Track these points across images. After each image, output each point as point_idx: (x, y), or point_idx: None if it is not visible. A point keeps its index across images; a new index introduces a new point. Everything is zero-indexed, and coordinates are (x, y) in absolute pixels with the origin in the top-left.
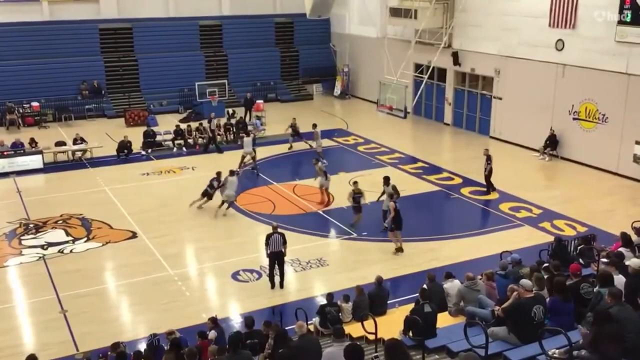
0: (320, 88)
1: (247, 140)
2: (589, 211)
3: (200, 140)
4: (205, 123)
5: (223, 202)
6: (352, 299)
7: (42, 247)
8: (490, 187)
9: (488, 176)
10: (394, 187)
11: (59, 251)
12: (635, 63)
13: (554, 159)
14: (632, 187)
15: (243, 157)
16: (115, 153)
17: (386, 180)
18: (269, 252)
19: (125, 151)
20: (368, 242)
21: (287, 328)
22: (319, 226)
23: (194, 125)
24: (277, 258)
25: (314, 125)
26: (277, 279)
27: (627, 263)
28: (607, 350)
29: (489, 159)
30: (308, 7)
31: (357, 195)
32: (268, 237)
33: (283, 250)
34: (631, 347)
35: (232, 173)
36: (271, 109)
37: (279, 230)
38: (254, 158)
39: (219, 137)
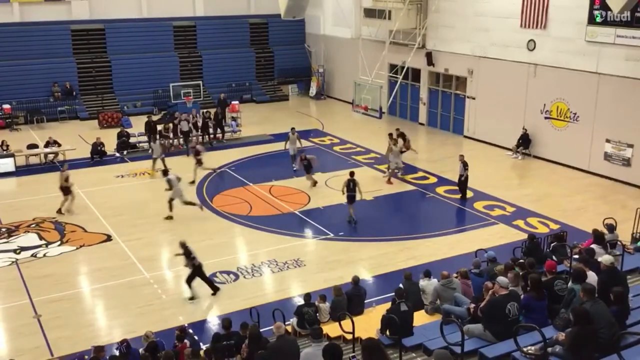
0: (296, 89)
1: (156, 146)
2: (561, 209)
3: (175, 142)
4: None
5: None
6: (330, 299)
7: (14, 251)
8: (464, 192)
9: (465, 182)
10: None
11: (32, 255)
12: (605, 63)
13: (526, 157)
14: (603, 184)
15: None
16: (88, 155)
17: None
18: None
19: (99, 154)
20: (345, 242)
21: (265, 329)
22: (295, 227)
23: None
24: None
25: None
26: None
27: (598, 259)
28: (585, 350)
29: (465, 165)
30: (282, 7)
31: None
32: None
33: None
34: (602, 342)
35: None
36: (246, 110)
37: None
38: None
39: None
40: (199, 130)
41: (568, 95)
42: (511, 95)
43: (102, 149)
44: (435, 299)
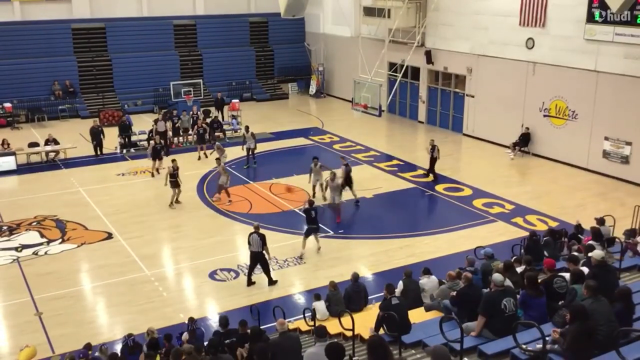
0: (296, 87)
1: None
2: (560, 206)
3: (176, 140)
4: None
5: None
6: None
7: (16, 249)
8: (431, 172)
9: (433, 163)
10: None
11: (33, 253)
12: (603, 60)
13: (525, 155)
14: (601, 182)
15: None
16: (88, 154)
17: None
18: (250, 251)
19: (98, 148)
20: (344, 239)
21: (265, 326)
22: (295, 224)
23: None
24: (256, 258)
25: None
26: (255, 277)
27: (589, 255)
28: (582, 346)
29: (433, 148)
30: (282, 6)
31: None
32: (249, 236)
33: (263, 250)
34: (601, 339)
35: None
36: (247, 109)
37: (260, 230)
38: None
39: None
40: (194, 128)
41: (567, 93)
42: (510, 94)
43: (102, 135)
44: (437, 297)
